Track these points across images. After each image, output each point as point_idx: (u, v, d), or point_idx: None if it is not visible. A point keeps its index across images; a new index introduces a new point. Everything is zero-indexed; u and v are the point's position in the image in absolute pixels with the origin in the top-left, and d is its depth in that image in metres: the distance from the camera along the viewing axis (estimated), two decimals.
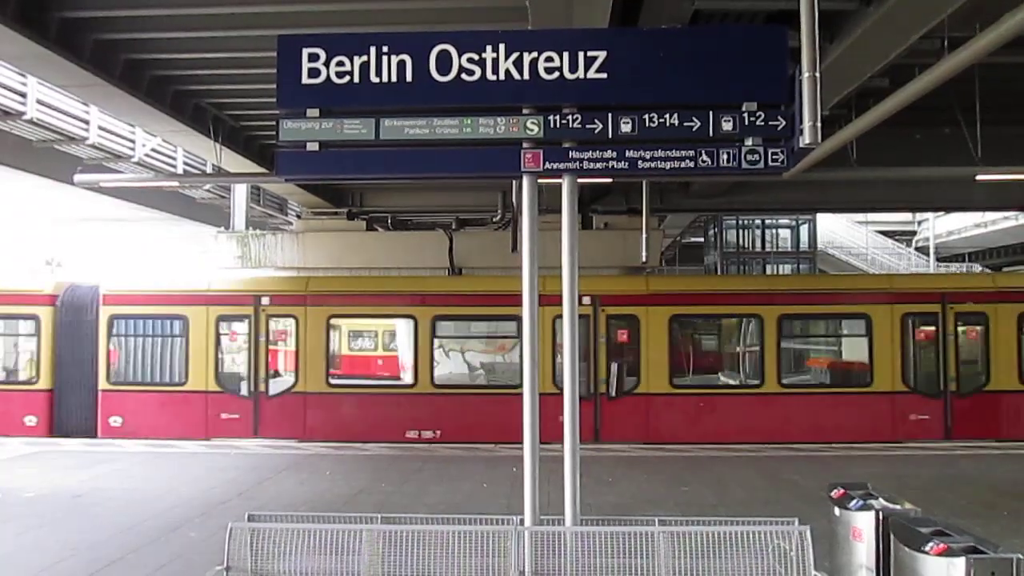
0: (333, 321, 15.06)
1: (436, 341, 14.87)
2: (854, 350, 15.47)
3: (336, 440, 13.94)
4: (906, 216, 37.63)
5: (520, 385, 14.82)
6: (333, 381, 14.91)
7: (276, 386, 14.74)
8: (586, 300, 14.25)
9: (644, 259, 16.95)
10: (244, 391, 14.65)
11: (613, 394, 14.43)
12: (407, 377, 14.98)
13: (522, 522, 6.01)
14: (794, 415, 14.37)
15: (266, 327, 14.74)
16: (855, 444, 13.58)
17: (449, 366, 15.55)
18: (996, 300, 14.63)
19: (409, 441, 14.14)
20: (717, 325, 15.76)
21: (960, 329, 14.56)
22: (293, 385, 14.73)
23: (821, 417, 14.27)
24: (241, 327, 14.84)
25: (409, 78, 6.11)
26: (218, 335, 14.86)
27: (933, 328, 14.48)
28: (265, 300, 14.79)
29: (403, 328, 15.44)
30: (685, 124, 6.08)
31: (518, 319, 14.40)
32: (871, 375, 14.52)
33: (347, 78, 6.11)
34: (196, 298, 14.91)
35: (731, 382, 15.36)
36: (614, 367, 14.58)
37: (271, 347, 14.81)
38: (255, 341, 14.64)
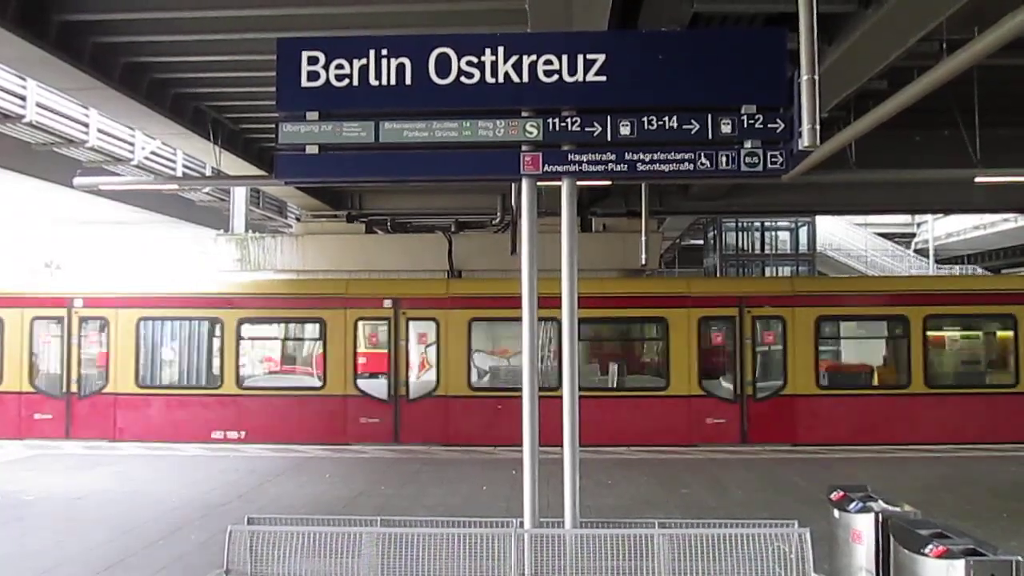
0: (143, 323, 15.17)
1: (241, 343, 15.05)
2: (651, 353, 15.51)
3: (146, 440, 14.20)
4: (905, 218, 37.61)
5: (321, 388, 14.81)
6: (143, 382, 15.05)
7: (88, 387, 14.93)
8: (387, 303, 14.53)
9: (643, 261, 16.95)
10: (57, 392, 14.83)
11: (412, 396, 14.62)
12: (213, 379, 15.18)
13: (522, 524, 6.02)
14: (589, 417, 14.30)
15: (78, 329, 14.97)
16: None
17: (253, 368, 15.79)
18: (794, 304, 14.64)
19: (215, 442, 14.34)
20: (518, 328, 15.65)
21: (757, 333, 14.53)
22: (103, 386, 14.90)
23: (617, 420, 14.19)
24: (55, 329, 15.05)
25: (408, 81, 6.12)
26: (32, 336, 15.03)
27: (730, 332, 14.53)
28: (78, 303, 15.01)
29: (210, 330, 15.52)
30: (684, 127, 6.09)
31: (320, 321, 14.79)
32: (667, 379, 14.54)
33: (346, 81, 6.13)
34: (10, 300, 15.12)
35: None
36: (415, 370, 15.00)
37: (83, 349, 14.99)
38: (68, 343, 14.87)
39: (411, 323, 14.82)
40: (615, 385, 15.05)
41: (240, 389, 14.83)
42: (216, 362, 15.08)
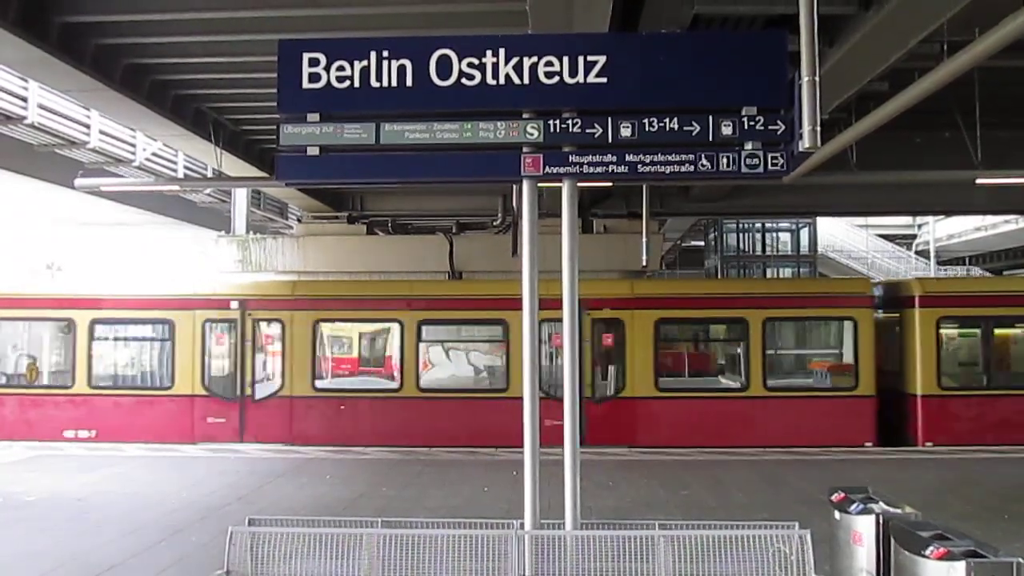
0: (1, 323, 15.44)
1: (94, 344, 15.14)
2: (489, 356, 15.63)
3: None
4: (906, 220, 37.63)
5: (169, 388, 15.03)
6: None
7: None
8: (234, 304, 14.75)
9: (644, 263, 16.94)
10: None
11: (257, 396, 14.73)
12: (66, 379, 15.28)
13: (522, 526, 6.02)
14: (451, 420, 14.53)
15: None
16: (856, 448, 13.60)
17: (105, 368, 15.76)
18: (633, 307, 14.62)
19: (67, 440, 14.46)
20: (361, 329, 15.99)
21: (597, 336, 14.48)
22: None
23: (472, 421, 14.34)
24: None
25: (409, 83, 6.13)
26: None
27: (553, 335, 14.34)
28: None
29: (64, 330, 15.58)
30: (685, 128, 6.10)
31: (169, 322, 14.91)
32: (507, 381, 14.44)
33: (347, 82, 6.14)
34: None
35: (375, 386, 15.55)
36: (259, 371, 15.06)
37: None
38: None
39: (258, 324, 14.98)
40: (456, 387, 15.34)
41: (91, 389, 14.99)
42: (69, 362, 15.23)
